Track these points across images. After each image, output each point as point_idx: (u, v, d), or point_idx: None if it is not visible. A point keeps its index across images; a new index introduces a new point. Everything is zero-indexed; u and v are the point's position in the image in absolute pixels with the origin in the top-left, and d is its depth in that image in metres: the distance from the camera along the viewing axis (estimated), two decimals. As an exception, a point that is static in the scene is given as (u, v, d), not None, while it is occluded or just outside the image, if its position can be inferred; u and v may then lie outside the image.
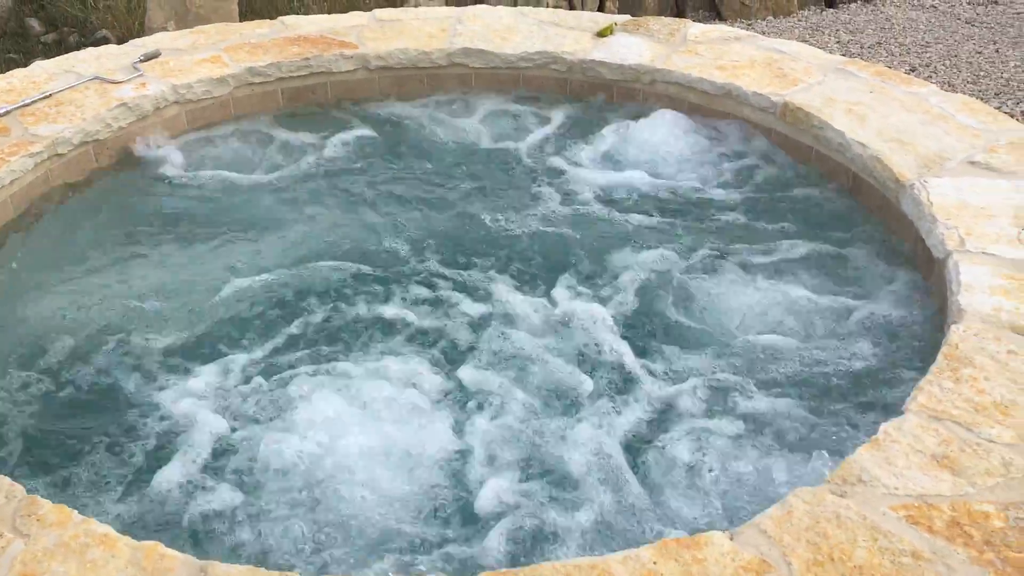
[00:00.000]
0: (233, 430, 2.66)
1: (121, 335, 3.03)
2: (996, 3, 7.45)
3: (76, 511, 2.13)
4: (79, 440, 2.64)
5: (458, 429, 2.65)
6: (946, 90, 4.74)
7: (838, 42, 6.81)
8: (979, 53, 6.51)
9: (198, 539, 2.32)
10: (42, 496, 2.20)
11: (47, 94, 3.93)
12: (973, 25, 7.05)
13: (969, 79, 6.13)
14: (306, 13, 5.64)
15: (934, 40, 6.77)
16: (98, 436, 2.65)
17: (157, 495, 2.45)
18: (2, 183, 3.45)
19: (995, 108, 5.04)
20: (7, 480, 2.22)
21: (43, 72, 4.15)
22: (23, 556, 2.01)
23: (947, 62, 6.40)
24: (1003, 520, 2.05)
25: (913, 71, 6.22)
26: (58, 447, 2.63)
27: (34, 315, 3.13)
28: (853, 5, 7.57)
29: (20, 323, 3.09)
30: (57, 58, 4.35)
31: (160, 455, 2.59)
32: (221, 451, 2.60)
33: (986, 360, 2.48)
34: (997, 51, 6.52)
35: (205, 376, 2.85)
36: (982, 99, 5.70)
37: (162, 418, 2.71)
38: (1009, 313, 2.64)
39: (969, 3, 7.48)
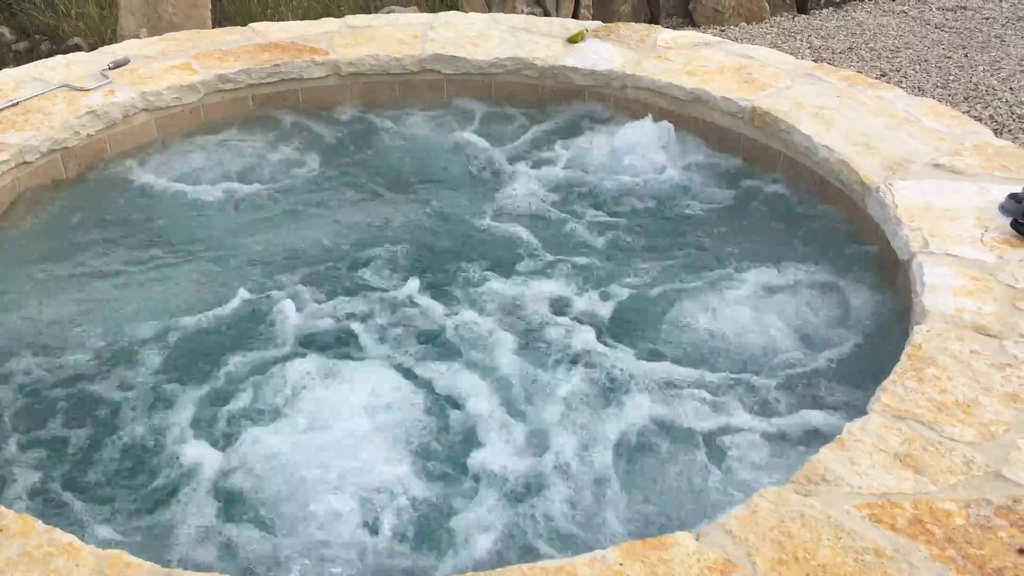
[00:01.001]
0: (205, 436, 2.65)
1: (86, 343, 3.02)
2: (965, 8, 7.54)
3: (39, 520, 2.11)
4: (44, 449, 2.63)
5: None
6: (916, 95, 4.79)
7: (810, 47, 6.87)
8: (948, 58, 6.59)
9: (165, 546, 2.31)
10: (7, 507, 2.18)
11: (14, 102, 3.90)
12: (943, 30, 7.13)
13: (939, 83, 6.20)
14: (280, 20, 5.63)
15: (904, 45, 6.84)
16: (64, 445, 2.64)
17: (125, 503, 2.44)
18: (-32, 192, 3.44)
19: (964, 112, 5.12)
20: (-31, 491, 2.20)
21: (10, 80, 4.12)
22: (-15, 566, 2.00)
23: (917, 67, 6.46)
24: (964, 518, 2.07)
25: (883, 76, 6.28)
26: (23, 457, 2.60)
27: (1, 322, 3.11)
28: (824, 11, 7.64)
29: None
30: (25, 66, 4.32)
31: (128, 463, 2.58)
32: (191, 458, 2.58)
33: (949, 360, 2.51)
34: (966, 56, 6.60)
35: (173, 383, 2.84)
36: (951, 103, 5.77)
37: (131, 426, 2.70)
38: (972, 313, 2.67)
39: (939, 8, 7.56)
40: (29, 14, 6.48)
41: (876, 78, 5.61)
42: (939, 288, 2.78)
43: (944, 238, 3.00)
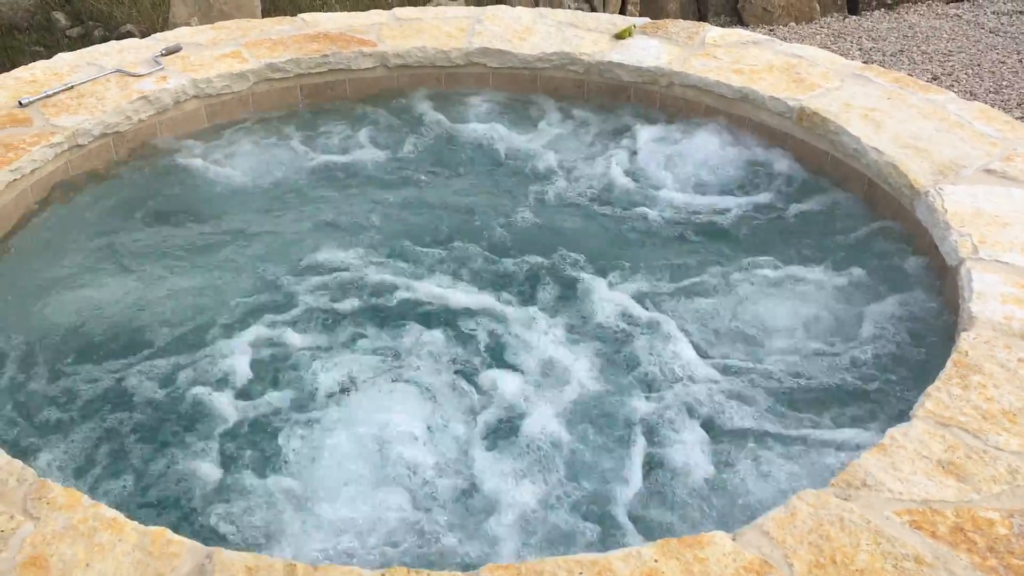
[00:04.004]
0: (248, 416, 2.70)
1: (135, 325, 3.07)
2: (1021, 13, 7.40)
3: (86, 495, 2.16)
4: (96, 424, 2.68)
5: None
6: (967, 99, 4.72)
7: (860, 49, 6.79)
8: (1002, 63, 6.48)
9: (208, 525, 2.35)
10: (54, 480, 2.23)
11: (69, 86, 3.98)
12: (997, 35, 7.01)
13: (991, 88, 6.10)
14: (329, 11, 5.68)
15: (957, 49, 6.74)
16: (115, 420, 2.69)
17: (168, 480, 2.48)
18: (23, 172, 3.50)
19: (1017, 118, 5.02)
20: (19, 463, 2.25)
21: (65, 64, 4.20)
22: (32, 538, 2.04)
23: (969, 71, 6.37)
24: (1007, 527, 2.04)
25: (935, 79, 6.19)
26: (75, 431, 2.66)
27: (51, 303, 3.17)
28: (876, 12, 7.54)
29: (36, 311, 3.13)
30: (79, 51, 4.39)
31: (176, 442, 2.63)
32: (235, 438, 2.63)
33: (995, 368, 2.47)
34: (1020, 61, 6.49)
35: (222, 363, 2.88)
36: (1004, 109, 5.67)
37: (178, 404, 2.75)
38: (1020, 321, 2.63)
39: (994, 12, 7.44)
40: (83, 0, 6.59)
41: (927, 82, 5.53)
42: (987, 295, 2.74)
43: (994, 245, 2.95)
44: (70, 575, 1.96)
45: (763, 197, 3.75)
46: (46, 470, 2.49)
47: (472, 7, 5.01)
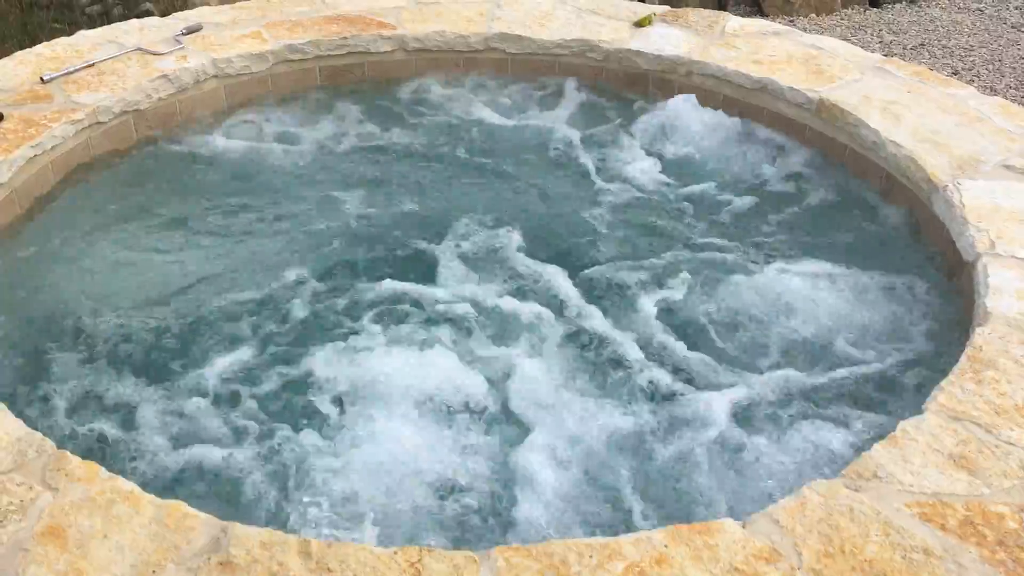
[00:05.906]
0: (267, 393, 2.73)
1: (151, 299, 3.10)
2: (1044, 9, 7.33)
3: (103, 468, 2.19)
4: (116, 398, 2.72)
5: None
6: (988, 94, 4.69)
7: (880, 42, 6.74)
8: (1024, 59, 6.43)
9: (225, 499, 2.38)
10: (73, 452, 2.26)
11: (90, 63, 4.00)
12: (1020, 30, 6.94)
13: (1012, 84, 6.05)
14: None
15: (979, 44, 6.68)
16: (135, 395, 2.72)
17: (187, 455, 2.52)
18: (44, 148, 3.53)
19: (1036, 114, 4.97)
20: (38, 435, 2.28)
21: (87, 42, 4.22)
22: (51, 509, 2.07)
23: (991, 66, 6.31)
24: (1017, 522, 2.05)
25: (956, 74, 6.15)
26: (94, 404, 2.70)
27: (69, 277, 3.20)
28: (897, 5, 7.47)
29: (54, 286, 3.16)
30: (101, 28, 4.42)
31: (193, 417, 2.66)
32: (253, 414, 2.66)
33: (1009, 363, 2.47)
34: (1042, 57, 6.43)
35: (242, 341, 2.92)
36: (1024, 105, 5.63)
37: (198, 378, 2.79)
38: (1036, 318, 2.62)
39: (1017, 7, 7.36)
40: (104, -22, 6.60)
41: (948, 76, 5.49)
42: (1003, 291, 2.73)
43: (1011, 240, 2.95)
44: (87, 545, 1.99)
45: (778, 188, 3.75)
46: (66, 441, 2.53)
47: (492, -8, 4.99)
